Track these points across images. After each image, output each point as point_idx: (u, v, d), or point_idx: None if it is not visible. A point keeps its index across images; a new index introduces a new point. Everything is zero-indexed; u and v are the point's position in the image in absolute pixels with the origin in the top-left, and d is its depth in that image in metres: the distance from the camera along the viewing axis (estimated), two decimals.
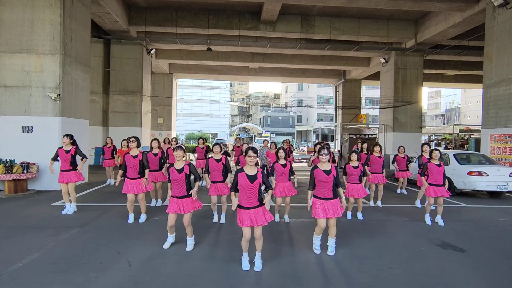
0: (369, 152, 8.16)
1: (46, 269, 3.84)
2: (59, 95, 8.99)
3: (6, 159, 8.38)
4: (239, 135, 39.39)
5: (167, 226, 4.61)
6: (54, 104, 9.02)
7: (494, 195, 9.30)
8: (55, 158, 6.50)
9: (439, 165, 5.99)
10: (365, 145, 9.10)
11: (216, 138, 46.37)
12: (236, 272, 3.86)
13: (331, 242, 4.53)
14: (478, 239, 5.32)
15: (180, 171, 4.40)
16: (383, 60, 17.51)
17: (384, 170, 7.67)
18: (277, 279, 3.72)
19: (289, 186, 5.95)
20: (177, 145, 4.69)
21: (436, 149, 6.10)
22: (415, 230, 5.77)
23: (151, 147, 7.11)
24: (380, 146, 7.68)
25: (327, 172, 4.29)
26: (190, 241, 4.65)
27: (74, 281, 3.57)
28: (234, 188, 3.94)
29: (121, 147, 9.64)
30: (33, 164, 8.65)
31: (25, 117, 8.98)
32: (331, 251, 4.50)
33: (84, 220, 5.97)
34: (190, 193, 4.49)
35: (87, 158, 6.80)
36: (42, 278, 3.62)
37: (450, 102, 65.13)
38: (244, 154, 4.00)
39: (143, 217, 6.03)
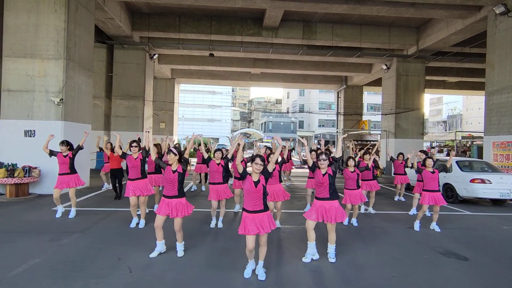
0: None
1: (46, 275, 3.82)
2: (62, 99, 9.03)
3: (8, 163, 8.39)
4: None
5: (155, 227, 4.44)
6: (56, 109, 9.06)
7: (497, 203, 9.23)
8: (51, 153, 6.37)
9: (433, 172, 6.19)
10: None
11: (217, 143, 46.37)
12: (238, 281, 3.82)
13: (331, 248, 4.55)
14: (481, 248, 5.27)
15: (174, 171, 4.42)
16: (384, 67, 17.54)
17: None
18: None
19: (278, 191, 5.86)
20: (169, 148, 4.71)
21: (429, 157, 6.32)
22: (417, 238, 5.73)
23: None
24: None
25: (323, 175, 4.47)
26: (180, 247, 4.60)
27: (74, 287, 3.55)
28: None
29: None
30: (35, 168, 8.65)
31: (28, 121, 9.01)
32: (332, 258, 4.50)
33: (85, 225, 5.94)
34: (182, 195, 4.47)
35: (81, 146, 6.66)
36: (42, 284, 3.60)
37: (452, 109, 65.13)
38: (251, 161, 3.97)
39: (142, 223, 5.93)
